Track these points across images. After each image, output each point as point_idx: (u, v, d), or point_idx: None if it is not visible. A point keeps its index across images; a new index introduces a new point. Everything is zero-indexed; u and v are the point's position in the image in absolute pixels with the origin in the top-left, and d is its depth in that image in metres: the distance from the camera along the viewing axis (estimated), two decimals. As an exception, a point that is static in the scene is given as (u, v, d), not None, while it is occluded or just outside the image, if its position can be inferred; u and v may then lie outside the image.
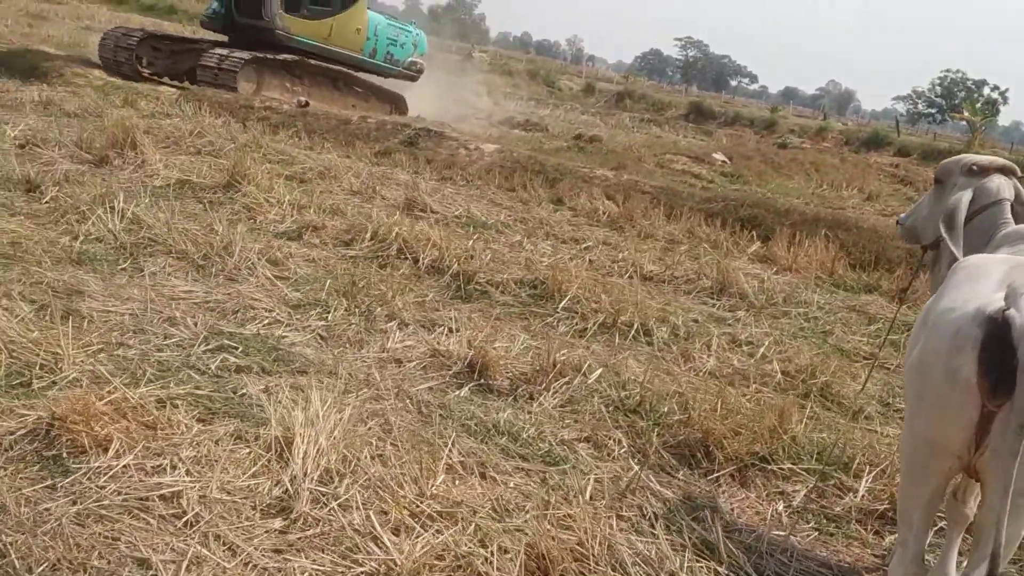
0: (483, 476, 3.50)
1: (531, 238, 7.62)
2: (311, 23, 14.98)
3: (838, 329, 6.37)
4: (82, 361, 3.77)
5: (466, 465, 3.52)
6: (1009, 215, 3.35)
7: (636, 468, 3.71)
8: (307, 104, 13.08)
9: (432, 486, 3.23)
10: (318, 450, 3.25)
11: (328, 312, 4.96)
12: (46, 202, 6.04)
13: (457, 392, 4.27)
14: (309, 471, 3.16)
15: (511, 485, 3.46)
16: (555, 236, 7.87)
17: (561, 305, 5.75)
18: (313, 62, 15.16)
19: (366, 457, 3.35)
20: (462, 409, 4.03)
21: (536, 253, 7.10)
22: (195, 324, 4.46)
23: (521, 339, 5.02)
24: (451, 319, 5.18)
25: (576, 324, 5.55)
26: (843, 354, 5.81)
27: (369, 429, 3.65)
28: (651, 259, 7.38)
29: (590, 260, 7.22)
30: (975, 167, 3.47)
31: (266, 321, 4.71)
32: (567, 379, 4.50)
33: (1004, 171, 3.50)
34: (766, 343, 5.63)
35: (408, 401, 4.06)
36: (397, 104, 16.65)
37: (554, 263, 6.54)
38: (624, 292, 6.09)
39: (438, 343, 4.72)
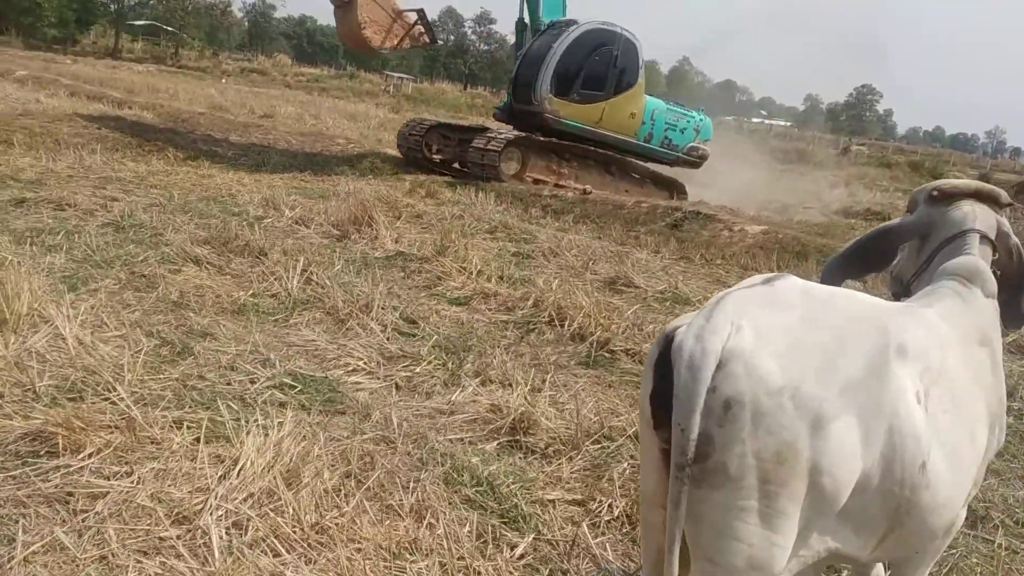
0: (419, 518, 3.43)
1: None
2: (581, 107, 14.99)
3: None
4: (140, 385, 4.30)
5: (407, 506, 3.48)
6: (974, 248, 2.71)
7: (584, 531, 3.40)
8: (589, 192, 13.47)
9: (331, 518, 3.25)
10: (252, 474, 3.42)
11: (419, 364, 5.13)
12: (260, 267, 6.91)
13: (483, 446, 4.20)
14: (232, 494, 3.33)
15: (438, 532, 3.35)
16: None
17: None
18: (583, 146, 15.20)
19: (298, 484, 3.44)
20: (462, 459, 3.96)
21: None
22: (279, 365, 4.86)
23: (592, 403, 4.80)
24: (543, 380, 5.09)
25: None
26: (1006, 456, 4.77)
27: (333, 465, 3.74)
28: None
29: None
30: (936, 192, 2.87)
31: (350, 368, 4.99)
32: (602, 445, 4.23)
33: (979, 196, 2.84)
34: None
35: (418, 447, 4.07)
36: (676, 190, 16.21)
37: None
38: None
39: (500, 399, 4.67)
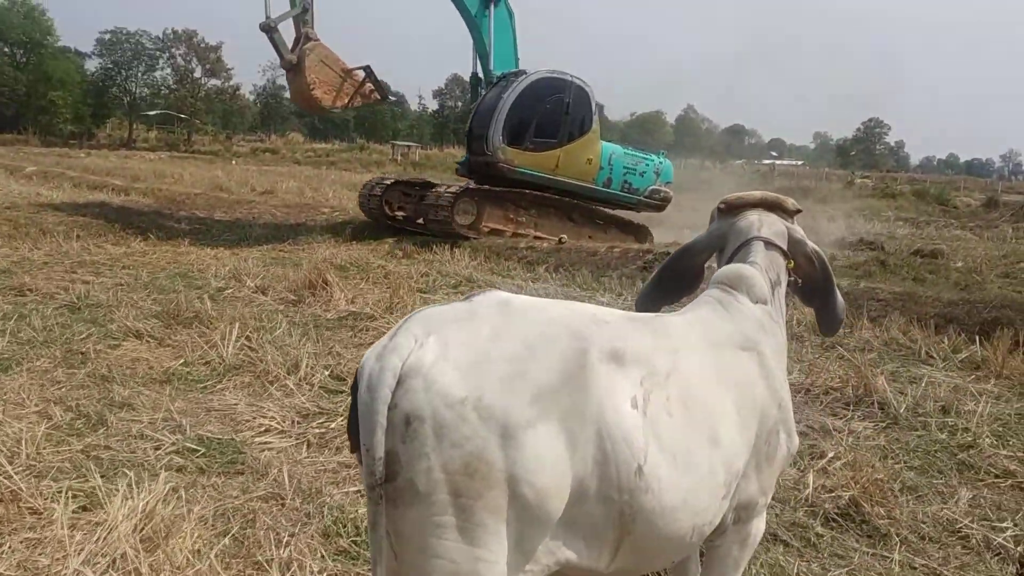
0: (283, 572, 3.39)
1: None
2: (536, 155, 14.99)
3: (985, 443, 5.12)
4: (38, 458, 4.31)
5: (277, 561, 3.45)
6: (758, 255, 2.71)
7: None
8: (563, 241, 13.50)
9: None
10: (115, 539, 3.41)
11: (334, 420, 5.12)
12: (203, 336, 6.94)
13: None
14: (95, 558, 3.32)
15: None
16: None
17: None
18: (541, 194, 15.10)
19: (164, 546, 3.42)
20: (350, 511, 3.93)
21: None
22: (189, 430, 4.87)
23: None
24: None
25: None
26: (932, 472, 4.66)
27: (213, 525, 3.72)
28: (799, 368, 6.54)
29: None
30: (723, 205, 2.89)
31: (262, 428, 4.99)
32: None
33: (765, 205, 2.85)
34: (828, 456, 4.72)
35: (308, 502, 4.05)
36: (639, 234, 16.07)
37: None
38: None
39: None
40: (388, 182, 15.83)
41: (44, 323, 7.09)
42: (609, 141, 16.48)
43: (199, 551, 3.48)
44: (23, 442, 4.39)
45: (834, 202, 33.35)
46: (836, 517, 4.10)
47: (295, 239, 13.96)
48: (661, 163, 16.66)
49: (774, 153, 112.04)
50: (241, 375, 6.02)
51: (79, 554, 3.34)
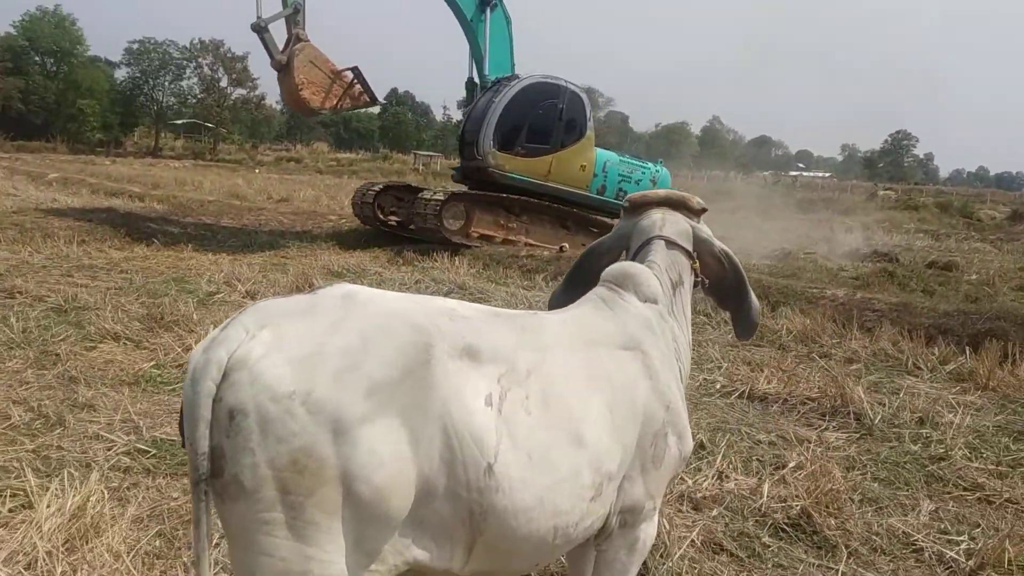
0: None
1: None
2: (527, 160, 14.80)
3: (958, 455, 4.99)
4: (-15, 456, 4.30)
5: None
6: (658, 254, 2.65)
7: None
8: (563, 249, 13.42)
9: None
10: (39, 538, 3.38)
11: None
12: (185, 340, 6.93)
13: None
14: (17, 556, 3.29)
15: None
16: (694, 357, 7.19)
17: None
18: (532, 200, 14.87)
19: (91, 545, 3.38)
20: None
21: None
22: (145, 432, 4.84)
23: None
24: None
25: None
26: (898, 483, 4.54)
27: (146, 527, 3.68)
28: (778, 378, 6.43)
29: (704, 379, 6.51)
30: (627, 203, 2.82)
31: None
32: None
33: (669, 204, 2.78)
34: (789, 465, 4.61)
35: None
36: None
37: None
38: (695, 413, 5.50)
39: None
40: (378, 187, 15.79)
41: (25, 325, 7.11)
42: (609, 150, 16.38)
43: (123, 552, 3.44)
44: (-29, 441, 4.38)
45: (856, 214, 33.10)
46: (786, 527, 4.00)
47: (298, 246, 13.97)
48: (658, 171, 16.44)
49: (801, 165, 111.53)
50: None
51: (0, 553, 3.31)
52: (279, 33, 14.11)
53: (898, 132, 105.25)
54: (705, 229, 2.85)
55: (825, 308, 8.74)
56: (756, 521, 4.06)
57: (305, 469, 1.79)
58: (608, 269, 2.68)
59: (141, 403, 5.39)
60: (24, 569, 3.23)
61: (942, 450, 5.06)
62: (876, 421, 5.54)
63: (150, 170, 41.14)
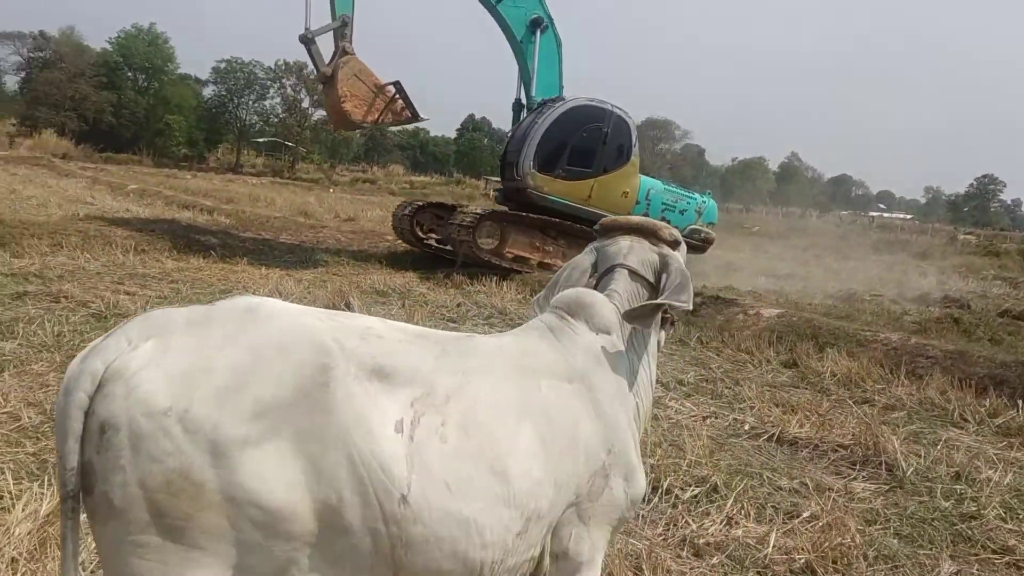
0: None
1: (688, 397, 6.84)
2: (568, 183, 14.52)
3: (991, 515, 4.66)
4: (-18, 456, 4.31)
5: None
6: (619, 283, 2.49)
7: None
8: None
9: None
10: (16, 540, 3.34)
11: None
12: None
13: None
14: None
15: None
16: (723, 395, 6.96)
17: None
18: (571, 224, 14.49)
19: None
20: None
21: (663, 410, 6.36)
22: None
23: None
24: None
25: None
26: (921, 541, 4.24)
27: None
28: (812, 422, 6.15)
29: (734, 419, 6.28)
30: (598, 227, 2.67)
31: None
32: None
33: (640, 231, 2.62)
34: (804, 515, 4.35)
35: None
36: None
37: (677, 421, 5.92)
38: (717, 454, 5.28)
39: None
40: (417, 204, 15.72)
41: (61, 329, 7.22)
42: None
43: (87, 560, 3.37)
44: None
45: (933, 258, 32.10)
46: (786, 581, 3.75)
47: (352, 264, 14.03)
48: (704, 203, 16.08)
49: (882, 206, 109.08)
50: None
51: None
52: (327, 46, 14.17)
53: (984, 176, 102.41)
54: (677, 261, 2.67)
55: (875, 352, 8.38)
56: (757, 572, 3.82)
57: (181, 492, 1.68)
58: (560, 295, 2.53)
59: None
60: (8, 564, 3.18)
61: (975, 508, 4.74)
62: (908, 473, 5.23)
63: (228, 185, 42.16)
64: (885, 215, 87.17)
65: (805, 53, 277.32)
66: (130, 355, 1.74)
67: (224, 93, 75.11)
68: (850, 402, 6.81)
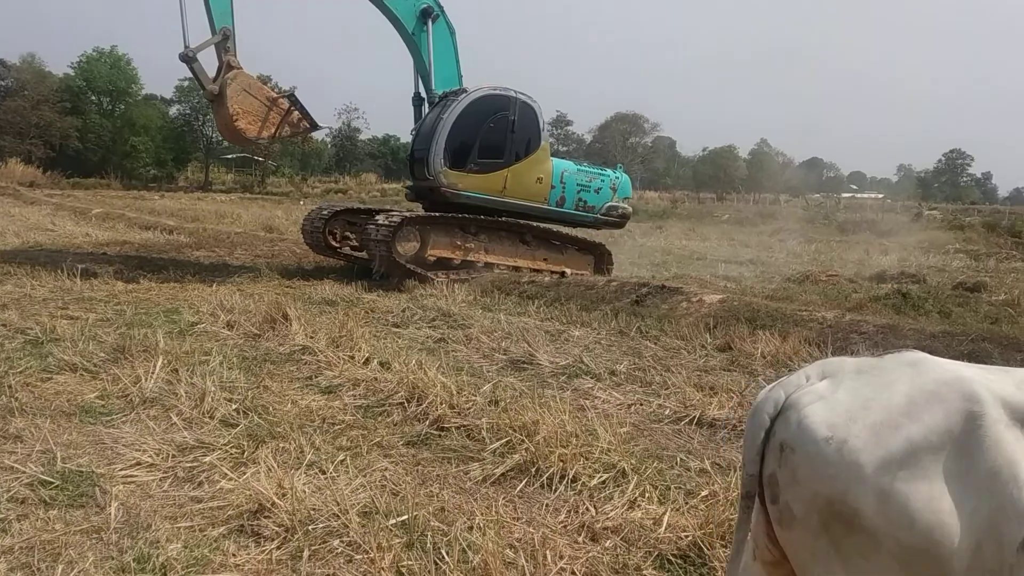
0: None
1: (618, 386, 6.93)
2: (481, 177, 14.39)
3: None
4: None
5: None
6: None
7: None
8: (565, 275, 13.28)
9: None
10: None
11: (210, 454, 5.04)
12: (140, 369, 6.96)
13: (207, 532, 4.06)
14: None
15: None
16: (653, 382, 7.05)
17: (495, 447, 5.17)
18: (489, 217, 14.53)
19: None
20: (164, 545, 3.82)
21: (590, 400, 6.45)
22: (60, 463, 4.84)
23: (364, 482, 4.62)
24: (342, 461, 4.94)
25: (492, 467, 4.94)
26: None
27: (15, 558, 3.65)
28: (732, 404, 6.25)
29: (658, 405, 6.36)
30: None
31: (133, 462, 4.93)
32: (327, 525, 4.03)
33: None
34: (701, 493, 4.44)
35: (129, 536, 3.97)
36: (599, 254, 15.36)
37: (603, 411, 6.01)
38: (635, 439, 5.40)
39: (263, 485, 4.51)
40: (325, 213, 15.49)
41: (-7, 357, 7.22)
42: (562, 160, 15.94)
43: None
44: None
45: (898, 235, 32.42)
46: (673, 559, 3.83)
47: (305, 276, 14.05)
48: (618, 178, 15.99)
49: (853, 187, 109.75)
50: (152, 408, 6.01)
51: None
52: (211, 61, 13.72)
53: (952, 151, 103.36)
54: None
55: (809, 331, 8.50)
56: (646, 552, 3.90)
57: (840, 512, 1.91)
58: None
59: (71, 434, 5.40)
60: None
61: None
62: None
63: (196, 204, 42.05)
64: (857, 196, 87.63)
65: (768, 36, 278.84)
66: (806, 389, 2.08)
67: (189, 112, 74.68)
68: (762, 380, 6.90)
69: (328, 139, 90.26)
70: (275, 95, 14.26)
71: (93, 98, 71.61)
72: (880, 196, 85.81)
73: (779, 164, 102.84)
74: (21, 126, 64.80)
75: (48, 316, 9.30)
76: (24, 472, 4.69)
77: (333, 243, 15.31)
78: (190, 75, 14.31)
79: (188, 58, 13.22)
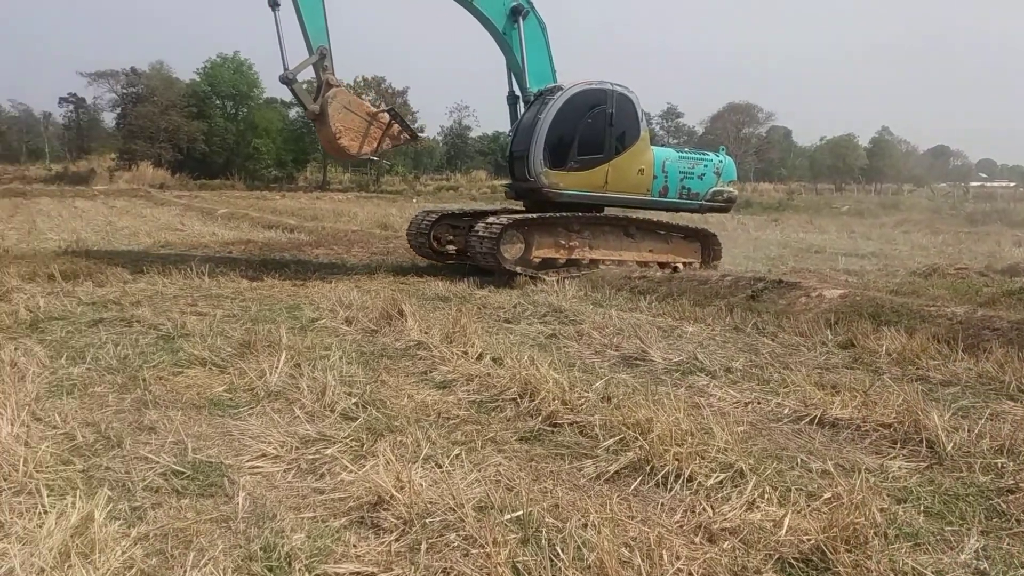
0: None
1: (734, 384, 6.79)
2: (582, 174, 14.22)
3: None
4: (37, 474, 4.60)
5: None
6: None
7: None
8: (676, 269, 13.07)
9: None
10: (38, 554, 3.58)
11: (331, 446, 5.18)
12: (265, 364, 7.21)
13: (329, 523, 4.17)
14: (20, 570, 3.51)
15: None
16: (771, 380, 6.88)
17: (608, 444, 5.16)
18: (591, 213, 14.44)
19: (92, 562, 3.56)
20: (288, 535, 3.95)
21: (706, 398, 6.35)
22: (191, 454, 5.05)
23: (479, 476, 4.66)
24: (457, 456, 5.00)
25: (605, 464, 4.91)
26: (950, 517, 4.14)
27: (149, 546, 3.83)
28: (855, 403, 6.04)
29: (777, 403, 6.21)
30: None
31: (257, 454, 5.10)
32: (444, 518, 4.09)
33: None
34: (824, 496, 4.31)
35: (255, 526, 4.10)
36: (707, 241, 14.97)
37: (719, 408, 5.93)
38: (753, 439, 5.32)
39: (384, 478, 4.60)
40: (433, 218, 15.51)
41: (128, 352, 7.58)
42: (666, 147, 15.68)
43: (108, 572, 3.57)
44: (23, 461, 4.70)
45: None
46: (794, 562, 3.72)
47: (419, 272, 14.29)
48: (721, 162, 15.57)
49: (983, 175, 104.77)
50: (276, 401, 6.21)
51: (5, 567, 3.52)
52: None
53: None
54: None
55: (938, 327, 8.14)
56: (766, 555, 3.80)
57: None
58: None
59: (200, 426, 5.63)
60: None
61: (1014, 482, 4.59)
62: (949, 449, 5.10)
63: (315, 203, 43.34)
64: (987, 184, 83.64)
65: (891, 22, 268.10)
66: None
67: (308, 113, 76.88)
68: (888, 379, 6.64)
69: (440, 137, 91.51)
70: (375, 110, 14.38)
71: (218, 102, 74.62)
72: (1012, 184, 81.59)
73: (902, 153, 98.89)
74: (151, 131, 68.10)
75: (179, 312, 9.74)
76: (158, 462, 4.91)
77: (438, 247, 15.47)
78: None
79: (288, 80, 13.43)
